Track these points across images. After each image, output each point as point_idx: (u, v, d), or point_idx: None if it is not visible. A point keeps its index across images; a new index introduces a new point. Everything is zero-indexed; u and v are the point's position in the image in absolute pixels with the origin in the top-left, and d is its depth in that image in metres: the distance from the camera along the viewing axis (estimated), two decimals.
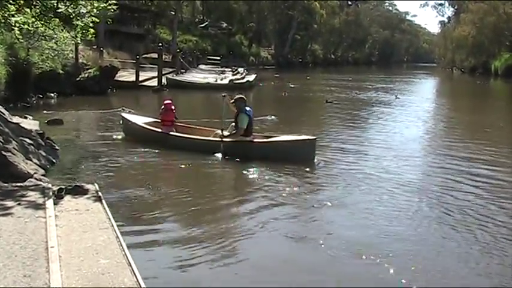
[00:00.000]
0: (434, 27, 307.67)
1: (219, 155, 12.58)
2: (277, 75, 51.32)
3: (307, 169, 11.84)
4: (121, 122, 15.68)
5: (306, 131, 15.00)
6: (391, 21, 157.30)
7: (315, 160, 12.44)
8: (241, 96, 13.43)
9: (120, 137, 15.23)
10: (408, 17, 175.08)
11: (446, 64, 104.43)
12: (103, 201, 8.05)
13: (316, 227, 8.26)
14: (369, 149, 14.88)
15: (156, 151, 13.19)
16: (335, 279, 6.47)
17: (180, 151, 12.89)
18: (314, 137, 12.92)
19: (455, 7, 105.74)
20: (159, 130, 14.07)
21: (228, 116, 13.47)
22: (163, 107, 14.46)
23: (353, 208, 9.19)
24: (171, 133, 13.86)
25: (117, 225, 7.02)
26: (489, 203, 9.61)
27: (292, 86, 40.88)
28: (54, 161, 11.34)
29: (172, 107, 14.42)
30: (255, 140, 13.01)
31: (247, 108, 13.08)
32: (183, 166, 11.93)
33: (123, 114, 15.75)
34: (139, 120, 15.02)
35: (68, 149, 13.20)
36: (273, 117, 15.64)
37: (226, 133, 13.08)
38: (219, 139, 12.92)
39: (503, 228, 8.26)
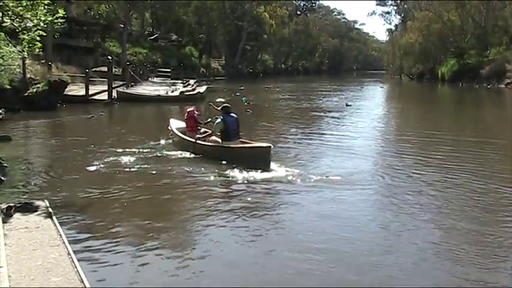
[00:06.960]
0: (382, 35, 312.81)
1: (191, 156, 13.78)
2: (242, 88, 50.05)
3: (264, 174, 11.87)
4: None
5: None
6: (340, 30, 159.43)
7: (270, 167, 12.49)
8: (225, 105, 14.40)
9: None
10: (356, 26, 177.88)
11: (395, 71, 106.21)
12: (54, 217, 7.91)
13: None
14: (319, 155, 15.24)
15: (109, 164, 12.97)
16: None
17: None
18: (269, 145, 13.10)
19: (402, 15, 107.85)
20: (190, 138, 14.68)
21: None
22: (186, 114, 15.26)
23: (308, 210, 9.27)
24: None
25: (69, 242, 6.90)
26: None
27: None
28: (2, 178, 11.06)
29: (196, 113, 15.15)
30: (214, 144, 13.82)
31: (231, 114, 13.88)
32: (135, 178, 11.80)
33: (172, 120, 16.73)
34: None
35: (17, 166, 12.93)
36: None
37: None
38: (194, 140, 14.15)
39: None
